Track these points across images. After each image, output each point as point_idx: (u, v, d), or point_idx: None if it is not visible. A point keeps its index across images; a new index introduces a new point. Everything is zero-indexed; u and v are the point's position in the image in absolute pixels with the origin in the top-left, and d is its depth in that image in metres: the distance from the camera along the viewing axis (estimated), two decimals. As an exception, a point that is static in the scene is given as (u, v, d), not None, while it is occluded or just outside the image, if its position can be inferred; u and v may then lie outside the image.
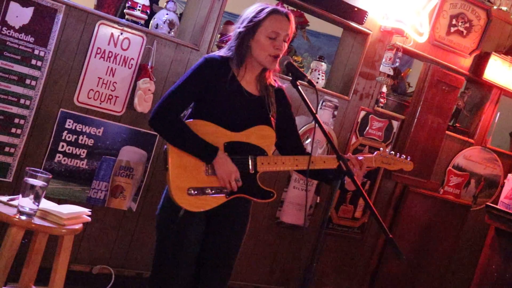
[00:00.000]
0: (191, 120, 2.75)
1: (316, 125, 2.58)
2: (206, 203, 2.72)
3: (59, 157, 3.75)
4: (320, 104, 4.56)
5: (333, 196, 2.58)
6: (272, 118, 2.82)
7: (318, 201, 4.79)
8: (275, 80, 2.88)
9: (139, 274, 4.18)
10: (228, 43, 2.83)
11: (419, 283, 5.44)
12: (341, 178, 2.51)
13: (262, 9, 2.76)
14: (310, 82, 2.65)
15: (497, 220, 4.34)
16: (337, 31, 5.11)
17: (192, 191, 2.68)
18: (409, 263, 5.29)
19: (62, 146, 3.75)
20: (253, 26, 2.73)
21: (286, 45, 2.77)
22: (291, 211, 4.69)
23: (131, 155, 3.99)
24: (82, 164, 3.84)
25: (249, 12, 2.80)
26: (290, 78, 2.74)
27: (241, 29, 2.76)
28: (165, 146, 2.72)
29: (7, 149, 3.59)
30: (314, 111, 2.57)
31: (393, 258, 5.20)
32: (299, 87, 2.68)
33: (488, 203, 4.72)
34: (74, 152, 3.79)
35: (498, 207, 4.39)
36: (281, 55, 2.75)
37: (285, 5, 4.26)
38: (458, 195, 5.55)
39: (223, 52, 2.82)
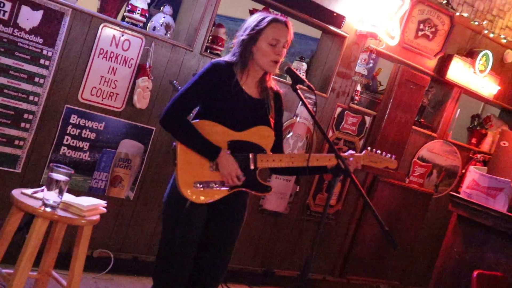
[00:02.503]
0: (198, 120, 2.96)
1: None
2: (211, 195, 2.94)
3: (64, 149, 4.03)
4: (300, 102, 4.90)
5: (331, 192, 2.72)
6: (271, 119, 3.06)
7: (297, 190, 5.16)
8: (274, 84, 3.13)
9: (135, 257, 4.49)
10: (232, 49, 3.07)
11: (386, 264, 5.88)
12: (339, 176, 2.78)
13: (263, 18, 2.99)
14: (309, 87, 2.94)
15: (460, 208, 4.76)
16: (307, 30, 5.39)
17: (198, 185, 2.90)
18: (377, 246, 5.72)
19: (67, 140, 4.03)
20: (255, 34, 2.96)
21: (285, 51, 3.01)
22: (274, 199, 5.05)
23: (129, 148, 4.29)
24: (85, 156, 4.12)
25: (251, 21, 3.02)
26: (289, 82, 3.01)
27: (244, 37, 2.99)
28: (174, 144, 2.93)
29: (16, 142, 3.85)
30: (314, 114, 2.88)
31: (362, 242, 5.64)
32: (299, 90, 2.95)
33: (451, 193, 5.15)
34: (77, 145, 4.07)
35: (460, 196, 4.81)
36: (280, 60, 2.99)
37: (271, 9, 4.60)
38: (421, 184, 6.02)
39: (228, 58, 3.05)
